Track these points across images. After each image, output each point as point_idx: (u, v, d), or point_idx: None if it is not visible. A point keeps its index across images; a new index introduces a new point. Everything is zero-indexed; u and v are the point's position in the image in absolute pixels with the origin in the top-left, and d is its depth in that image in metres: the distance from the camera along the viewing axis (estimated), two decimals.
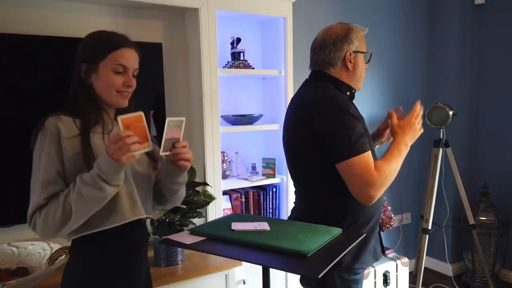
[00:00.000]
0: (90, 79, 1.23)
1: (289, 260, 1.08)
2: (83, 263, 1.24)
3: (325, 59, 1.45)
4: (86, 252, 1.23)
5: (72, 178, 1.15)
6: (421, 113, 1.49)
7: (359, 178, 1.29)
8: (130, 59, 1.25)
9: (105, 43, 1.22)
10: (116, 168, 1.10)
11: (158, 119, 2.16)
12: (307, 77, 1.55)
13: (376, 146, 1.79)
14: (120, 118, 1.12)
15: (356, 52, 1.46)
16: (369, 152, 1.32)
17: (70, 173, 1.16)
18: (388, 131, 1.64)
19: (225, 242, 1.21)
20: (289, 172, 1.57)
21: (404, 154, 1.41)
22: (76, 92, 1.23)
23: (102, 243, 1.22)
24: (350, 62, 1.45)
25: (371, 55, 1.51)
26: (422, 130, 1.48)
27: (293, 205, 1.61)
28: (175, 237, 1.27)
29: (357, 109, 1.46)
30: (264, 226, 1.29)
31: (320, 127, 1.34)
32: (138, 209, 1.25)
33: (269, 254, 1.11)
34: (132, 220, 1.23)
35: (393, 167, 1.35)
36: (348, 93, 1.48)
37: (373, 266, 2.68)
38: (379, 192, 1.33)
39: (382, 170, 1.31)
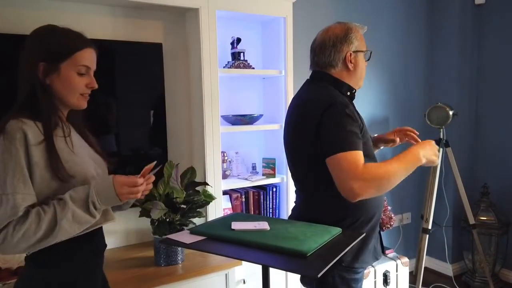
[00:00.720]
0: (48, 79, 1.14)
1: (289, 260, 1.08)
2: (50, 272, 1.15)
3: (326, 60, 1.46)
4: (52, 260, 1.15)
5: (37, 186, 1.08)
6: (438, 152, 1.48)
7: (343, 171, 1.26)
8: (93, 59, 1.21)
9: (68, 43, 1.15)
10: (116, 203, 1.13)
11: (158, 119, 2.17)
12: (308, 77, 1.56)
13: (381, 148, 1.79)
14: (146, 168, 1.19)
15: (356, 51, 1.46)
16: (359, 152, 1.30)
17: (34, 181, 1.08)
18: (397, 139, 1.71)
19: (225, 242, 1.22)
20: (290, 171, 1.58)
21: (413, 164, 1.36)
22: (34, 93, 1.13)
23: (70, 250, 1.16)
24: (351, 62, 1.45)
25: (371, 53, 1.52)
26: (438, 160, 1.46)
27: (294, 204, 1.62)
28: (175, 236, 1.28)
29: (356, 110, 1.47)
30: (264, 225, 1.29)
31: (317, 127, 1.35)
32: (110, 214, 1.23)
33: (269, 253, 1.12)
34: (105, 223, 1.21)
35: (390, 169, 1.29)
36: (348, 93, 1.48)
37: (373, 266, 2.69)
38: (364, 189, 1.25)
39: (371, 168, 1.27)
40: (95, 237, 1.24)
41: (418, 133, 1.71)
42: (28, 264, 1.17)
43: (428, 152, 1.40)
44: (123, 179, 1.14)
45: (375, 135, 1.82)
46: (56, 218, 1.06)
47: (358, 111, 1.48)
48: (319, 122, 1.34)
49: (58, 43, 1.15)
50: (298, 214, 1.54)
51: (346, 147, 1.28)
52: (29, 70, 1.13)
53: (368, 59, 1.53)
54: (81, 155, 1.20)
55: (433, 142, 1.45)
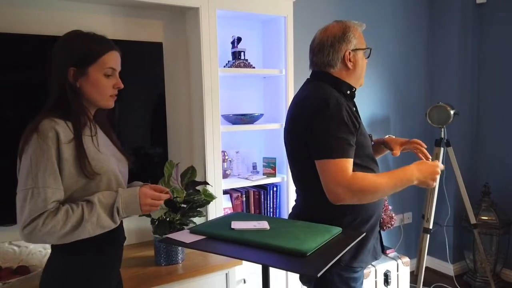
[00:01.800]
0: (78, 82, 1.22)
1: (289, 259, 1.08)
2: (81, 262, 1.23)
3: (324, 60, 1.45)
4: (81, 251, 1.22)
5: (66, 182, 1.16)
6: (440, 169, 1.45)
7: (330, 176, 1.29)
8: (118, 61, 1.28)
9: (93, 48, 1.22)
10: (137, 213, 1.23)
11: (158, 119, 2.17)
12: (309, 77, 1.56)
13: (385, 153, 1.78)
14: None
15: (355, 50, 1.45)
16: (348, 160, 1.30)
17: (64, 177, 1.16)
18: (397, 151, 1.67)
19: (225, 241, 1.21)
20: (290, 169, 1.58)
21: (403, 182, 1.36)
22: (65, 95, 1.21)
23: (95, 239, 1.21)
24: (350, 61, 1.44)
25: (371, 50, 1.51)
26: (434, 184, 1.44)
27: (294, 203, 1.62)
28: (175, 236, 1.28)
29: (356, 109, 1.46)
30: (264, 225, 1.29)
31: (308, 127, 1.35)
32: None
33: (269, 253, 1.12)
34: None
35: (378, 183, 1.31)
36: (348, 92, 1.47)
37: (374, 266, 2.68)
38: (348, 196, 1.27)
39: (358, 178, 1.29)
40: (117, 229, 1.29)
41: (426, 147, 1.64)
42: (54, 252, 1.25)
43: (424, 175, 1.39)
44: (149, 191, 1.24)
45: (387, 136, 1.77)
46: (82, 219, 1.14)
47: (358, 110, 1.48)
48: (309, 123, 1.35)
49: (85, 48, 1.22)
50: (298, 212, 1.54)
51: (334, 154, 1.29)
52: (60, 74, 1.21)
53: (368, 57, 1.52)
54: (106, 153, 1.27)
55: (436, 164, 1.42)
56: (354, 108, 1.47)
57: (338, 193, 1.28)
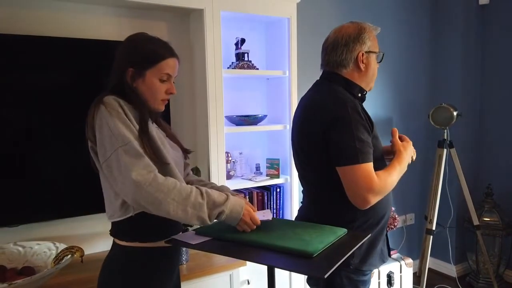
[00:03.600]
0: (134, 83, 1.26)
1: (295, 260, 1.08)
2: (142, 263, 1.26)
3: (337, 60, 1.43)
4: (138, 235, 1.25)
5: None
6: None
7: (358, 183, 1.29)
8: (175, 68, 1.31)
9: (156, 52, 1.26)
10: (232, 224, 1.24)
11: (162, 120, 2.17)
12: (318, 78, 1.53)
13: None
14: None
15: (368, 52, 1.44)
16: (370, 164, 1.31)
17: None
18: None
19: (231, 242, 1.22)
20: (298, 172, 1.56)
21: (404, 170, 1.44)
22: (123, 90, 1.24)
23: (157, 228, 1.26)
24: (363, 62, 1.43)
25: (383, 55, 1.50)
26: (413, 158, 1.57)
27: (301, 204, 1.61)
28: (181, 237, 1.28)
29: (366, 112, 1.45)
30: (268, 216, 1.33)
31: (326, 133, 1.33)
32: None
33: (275, 254, 1.12)
34: None
35: (394, 178, 1.38)
36: (359, 95, 1.46)
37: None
38: (376, 199, 1.33)
39: (383, 179, 1.33)
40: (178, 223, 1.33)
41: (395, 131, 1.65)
42: (115, 240, 1.29)
43: (409, 155, 1.50)
44: (252, 212, 1.25)
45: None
46: (189, 196, 1.15)
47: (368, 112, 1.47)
48: (328, 128, 1.33)
49: (147, 51, 1.26)
50: (306, 214, 1.53)
51: (360, 159, 1.29)
52: (120, 73, 1.25)
53: (380, 61, 1.50)
54: (163, 143, 1.28)
55: (410, 145, 1.53)
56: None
57: (368, 198, 1.30)
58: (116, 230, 1.28)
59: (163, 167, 1.20)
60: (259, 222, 1.26)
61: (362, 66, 1.43)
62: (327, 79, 1.48)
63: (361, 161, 1.29)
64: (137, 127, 1.19)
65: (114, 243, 1.31)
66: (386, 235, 1.55)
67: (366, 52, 1.43)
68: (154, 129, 1.29)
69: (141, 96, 1.26)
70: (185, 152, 1.43)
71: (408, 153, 1.48)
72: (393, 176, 1.37)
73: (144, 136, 1.18)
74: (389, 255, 1.56)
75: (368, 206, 1.33)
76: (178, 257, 1.43)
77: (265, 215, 1.32)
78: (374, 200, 1.32)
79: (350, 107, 1.33)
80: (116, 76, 1.26)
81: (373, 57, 1.46)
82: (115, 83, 1.26)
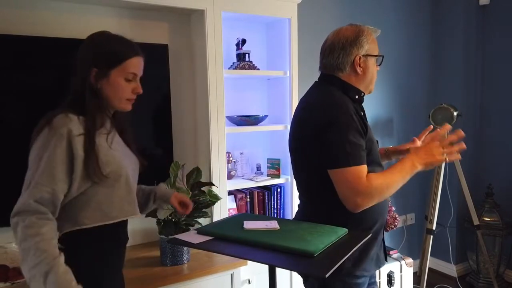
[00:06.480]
0: (99, 83, 1.23)
1: (296, 260, 1.09)
2: (86, 258, 1.22)
3: (334, 63, 1.42)
4: (85, 245, 1.22)
5: (81, 177, 1.15)
6: (446, 138, 1.43)
7: (347, 186, 1.29)
8: (140, 66, 1.29)
9: (119, 52, 1.23)
10: None
11: (164, 120, 2.18)
12: (317, 79, 1.53)
13: (392, 159, 1.77)
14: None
15: (366, 55, 1.42)
16: (363, 166, 1.30)
17: (76, 175, 1.15)
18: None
19: (232, 242, 1.22)
20: (293, 174, 1.56)
21: (407, 172, 1.36)
22: (83, 94, 1.22)
23: (100, 234, 1.23)
24: (360, 66, 1.41)
25: (383, 57, 1.48)
26: (444, 158, 1.40)
27: (298, 206, 1.61)
28: (183, 236, 1.29)
29: (364, 114, 1.45)
30: (275, 224, 1.31)
31: (318, 135, 1.33)
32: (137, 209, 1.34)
33: (276, 253, 1.13)
34: (132, 217, 1.29)
35: (388, 181, 1.32)
36: (356, 97, 1.45)
37: None
38: (367, 202, 1.29)
39: (373, 181, 1.29)
40: (122, 228, 1.31)
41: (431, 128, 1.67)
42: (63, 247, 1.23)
43: (423, 157, 1.39)
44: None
45: (391, 146, 1.79)
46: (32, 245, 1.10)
47: (366, 114, 1.47)
48: (320, 131, 1.32)
49: (110, 51, 1.23)
50: (301, 217, 1.52)
51: (351, 162, 1.28)
52: (83, 73, 1.22)
53: (380, 64, 1.49)
54: (119, 152, 1.27)
55: (434, 144, 1.41)
56: (362, 113, 1.44)
57: (358, 202, 1.28)
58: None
59: (110, 181, 1.20)
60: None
61: (359, 69, 1.42)
62: (324, 81, 1.48)
63: (352, 164, 1.28)
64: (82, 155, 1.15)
65: None
66: (383, 240, 1.53)
67: (364, 55, 1.41)
68: (116, 137, 1.29)
69: (103, 101, 1.24)
70: (141, 162, 1.40)
71: (420, 154, 1.39)
72: (387, 178, 1.33)
73: (90, 152, 1.16)
74: (386, 259, 1.55)
75: (360, 210, 1.31)
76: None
77: (271, 224, 1.32)
78: (365, 203, 1.29)
79: (342, 111, 1.32)
80: (79, 77, 1.22)
81: (371, 60, 1.44)
82: (77, 88, 1.22)
